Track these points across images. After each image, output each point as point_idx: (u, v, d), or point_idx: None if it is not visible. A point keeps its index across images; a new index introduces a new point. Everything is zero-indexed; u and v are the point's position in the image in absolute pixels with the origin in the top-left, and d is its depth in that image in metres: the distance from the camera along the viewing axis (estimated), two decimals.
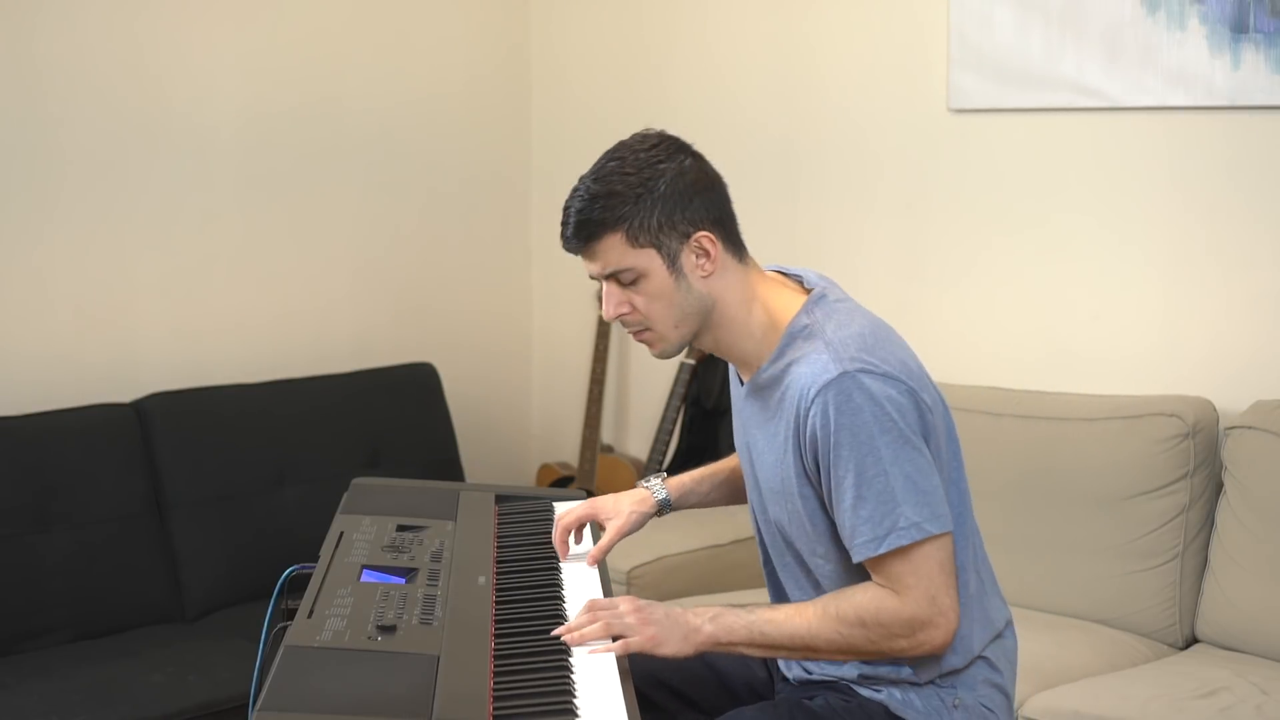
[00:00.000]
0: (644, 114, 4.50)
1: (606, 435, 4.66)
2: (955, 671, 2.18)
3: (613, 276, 2.14)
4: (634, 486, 2.50)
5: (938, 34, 3.83)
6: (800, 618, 2.10)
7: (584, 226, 2.12)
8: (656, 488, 2.45)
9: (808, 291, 2.19)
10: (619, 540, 2.41)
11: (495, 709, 1.83)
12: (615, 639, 2.06)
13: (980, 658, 2.20)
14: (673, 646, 2.08)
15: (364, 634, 1.95)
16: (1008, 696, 2.24)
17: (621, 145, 2.17)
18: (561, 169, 4.72)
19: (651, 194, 2.10)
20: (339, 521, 2.42)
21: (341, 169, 4.33)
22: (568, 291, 4.74)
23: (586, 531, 2.48)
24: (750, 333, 2.16)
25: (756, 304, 2.16)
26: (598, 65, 4.63)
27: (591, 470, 4.49)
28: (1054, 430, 3.47)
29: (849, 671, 2.21)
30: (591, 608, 2.10)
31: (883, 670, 2.18)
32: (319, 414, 4.02)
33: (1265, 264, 3.42)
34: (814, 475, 2.11)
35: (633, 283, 2.13)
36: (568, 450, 4.73)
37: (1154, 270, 3.58)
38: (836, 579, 2.16)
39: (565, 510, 2.48)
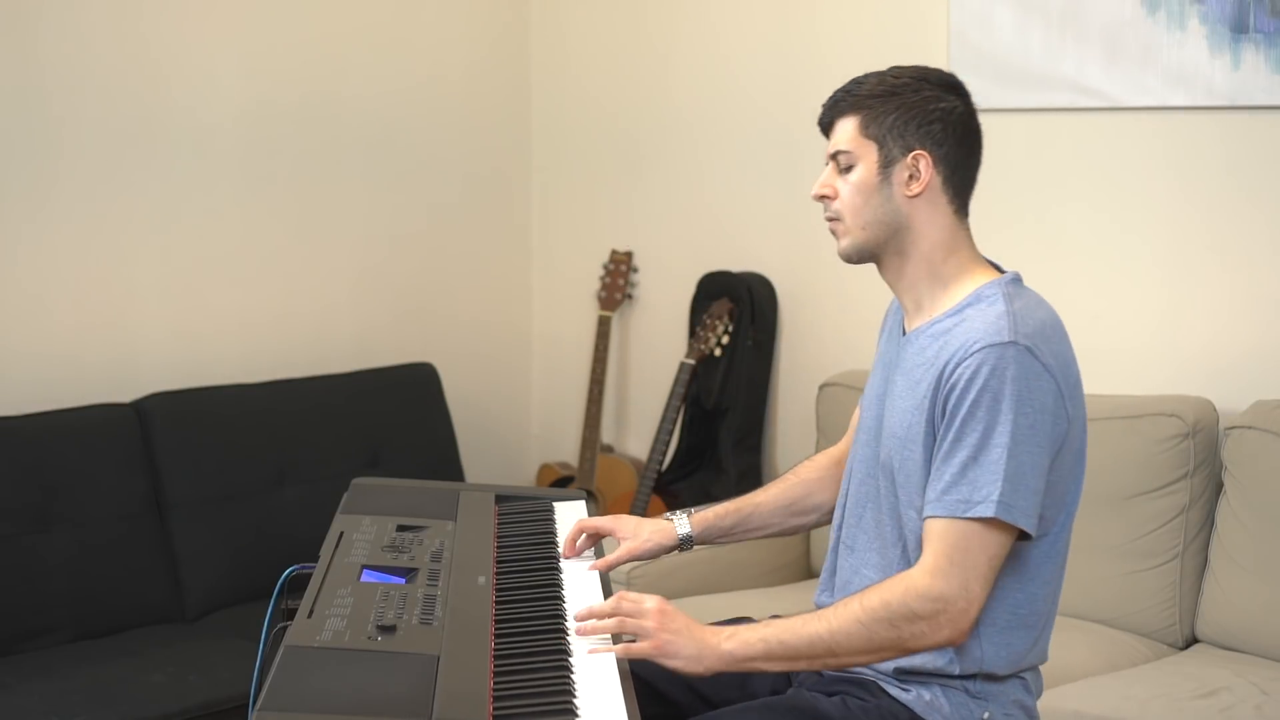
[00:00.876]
0: (644, 116, 4.51)
1: (606, 435, 4.66)
2: (993, 678, 2.17)
3: (834, 157, 2.21)
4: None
5: (938, 34, 3.83)
6: (819, 620, 2.10)
7: (835, 103, 2.22)
8: (680, 523, 2.46)
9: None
10: (629, 560, 2.42)
11: (495, 709, 1.83)
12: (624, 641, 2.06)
13: (1019, 678, 2.20)
14: (683, 661, 2.08)
15: (364, 634, 1.95)
16: (1033, 719, 2.24)
17: (913, 66, 2.25)
18: (562, 170, 4.73)
19: (901, 99, 2.17)
20: (339, 521, 2.42)
21: (342, 169, 4.33)
22: (568, 292, 4.74)
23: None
24: (937, 277, 2.20)
25: (954, 257, 2.20)
26: (598, 67, 4.63)
27: (591, 470, 4.48)
28: None
29: (885, 665, 2.19)
30: (619, 598, 2.11)
31: (920, 661, 2.16)
32: (319, 414, 4.02)
33: (1265, 264, 3.42)
34: (937, 422, 2.11)
35: (847, 169, 2.20)
36: (568, 450, 4.73)
37: (1154, 270, 3.58)
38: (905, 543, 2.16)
39: (587, 518, 2.48)
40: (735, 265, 4.29)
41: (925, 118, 2.17)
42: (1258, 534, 3.22)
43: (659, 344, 4.53)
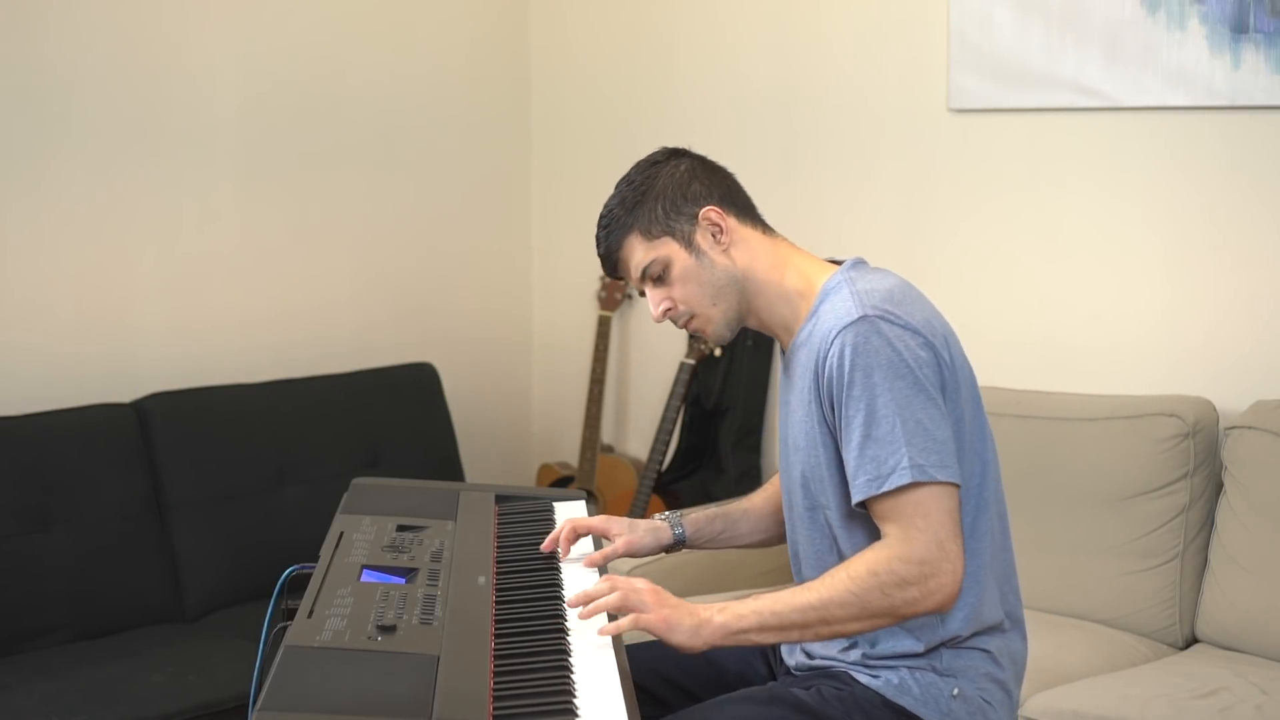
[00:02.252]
0: (644, 117, 4.51)
1: (606, 435, 4.66)
2: (957, 642, 2.18)
3: (645, 278, 2.26)
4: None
5: (938, 34, 3.83)
6: (809, 590, 2.11)
7: (607, 249, 2.27)
8: (674, 522, 2.47)
9: None
10: (625, 554, 2.42)
11: (495, 709, 1.83)
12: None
13: (981, 648, 2.20)
14: (683, 635, 2.08)
15: (364, 634, 1.95)
16: (1009, 694, 2.24)
17: (634, 167, 2.32)
18: (562, 169, 4.73)
19: (651, 191, 2.25)
20: (339, 521, 2.42)
21: (342, 169, 4.33)
22: (568, 291, 4.74)
23: (588, 538, 2.48)
24: (786, 297, 2.24)
25: (790, 269, 2.25)
26: (598, 67, 4.63)
27: (591, 470, 4.49)
28: (1054, 430, 3.47)
29: (851, 655, 2.22)
30: (610, 579, 2.12)
31: (884, 646, 2.18)
32: (319, 414, 4.02)
33: (1265, 264, 3.43)
34: (830, 420, 2.15)
35: (662, 276, 2.25)
36: (568, 450, 4.73)
37: (1154, 270, 3.59)
38: (851, 538, 2.18)
39: (578, 518, 2.48)
40: None
41: (680, 185, 2.24)
42: (1258, 534, 3.22)
43: (659, 344, 4.53)
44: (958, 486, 2.10)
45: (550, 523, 2.57)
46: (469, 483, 3.90)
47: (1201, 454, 3.33)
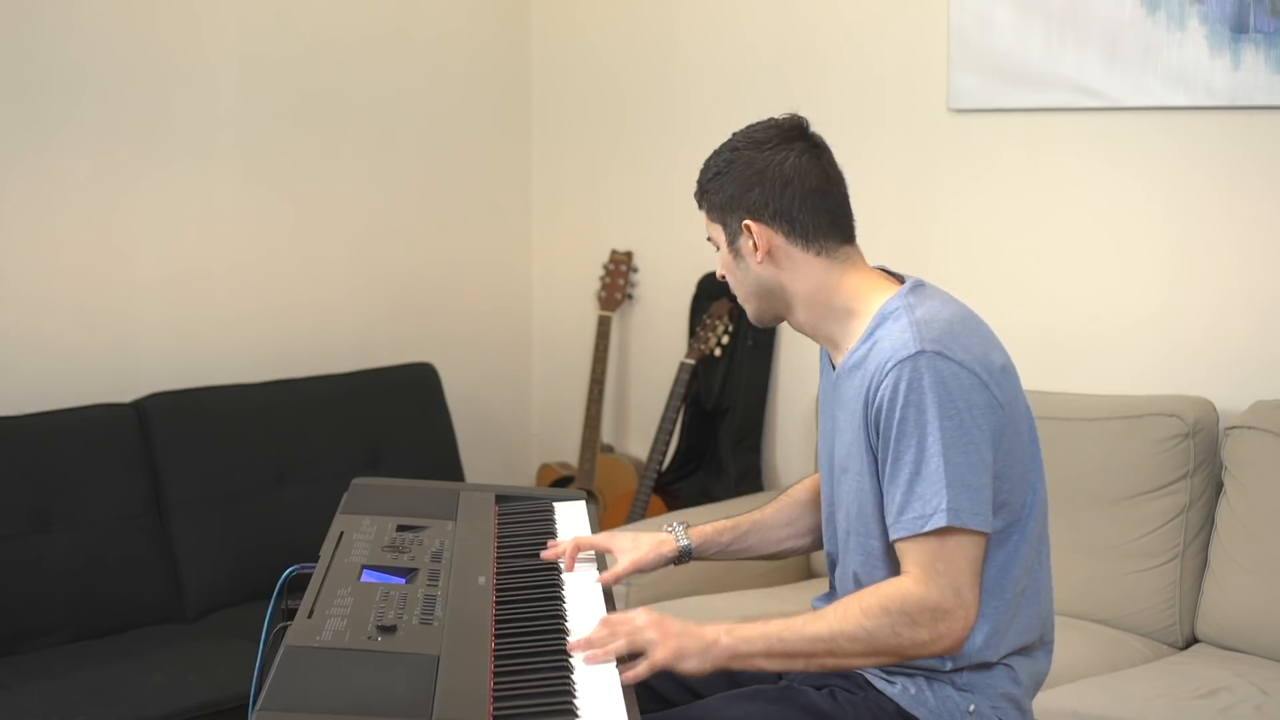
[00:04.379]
0: (645, 116, 4.51)
1: (606, 435, 4.66)
2: (983, 666, 2.18)
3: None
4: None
5: (938, 34, 3.83)
6: (820, 620, 2.10)
7: (698, 195, 2.29)
8: (680, 534, 2.46)
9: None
10: (633, 573, 2.42)
11: (495, 709, 1.83)
12: (632, 657, 2.06)
13: (1006, 664, 2.20)
14: (693, 663, 2.08)
15: (364, 634, 1.95)
16: (1023, 713, 2.24)
17: (759, 125, 2.27)
18: (562, 169, 4.73)
19: (728, 174, 2.23)
20: (339, 521, 2.42)
21: (342, 169, 4.33)
22: (568, 291, 4.74)
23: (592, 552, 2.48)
24: (834, 316, 2.23)
25: (840, 294, 2.23)
26: (598, 68, 4.62)
27: (591, 470, 4.48)
28: (1054, 430, 3.47)
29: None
30: (608, 623, 2.10)
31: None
32: (319, 414, 4.01)
33: (1265, 264, 3.43)
34: (874, 448, 2.14)
35: (717, 249, 2.29)
36: (568, 450, 4.73)
37: (1154, 270, 3.59)
38: (887, 564, 2.17)
39: (584, 536, 2.47)
40: None
41: (744, 187, 2.21)
42: (1258, 534, 3.22)
43: (659, 344, 4.53)
44: (985, 536, 2.10)
45: (550, 523, 2.57)
46: (469, 483, 3.90)
47: (1201, 454, 3.33)
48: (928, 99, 3.88)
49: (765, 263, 2.21)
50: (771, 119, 2.27)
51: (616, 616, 2.12)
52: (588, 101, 4.65)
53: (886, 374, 2.10)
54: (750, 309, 2.29)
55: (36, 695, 3.13)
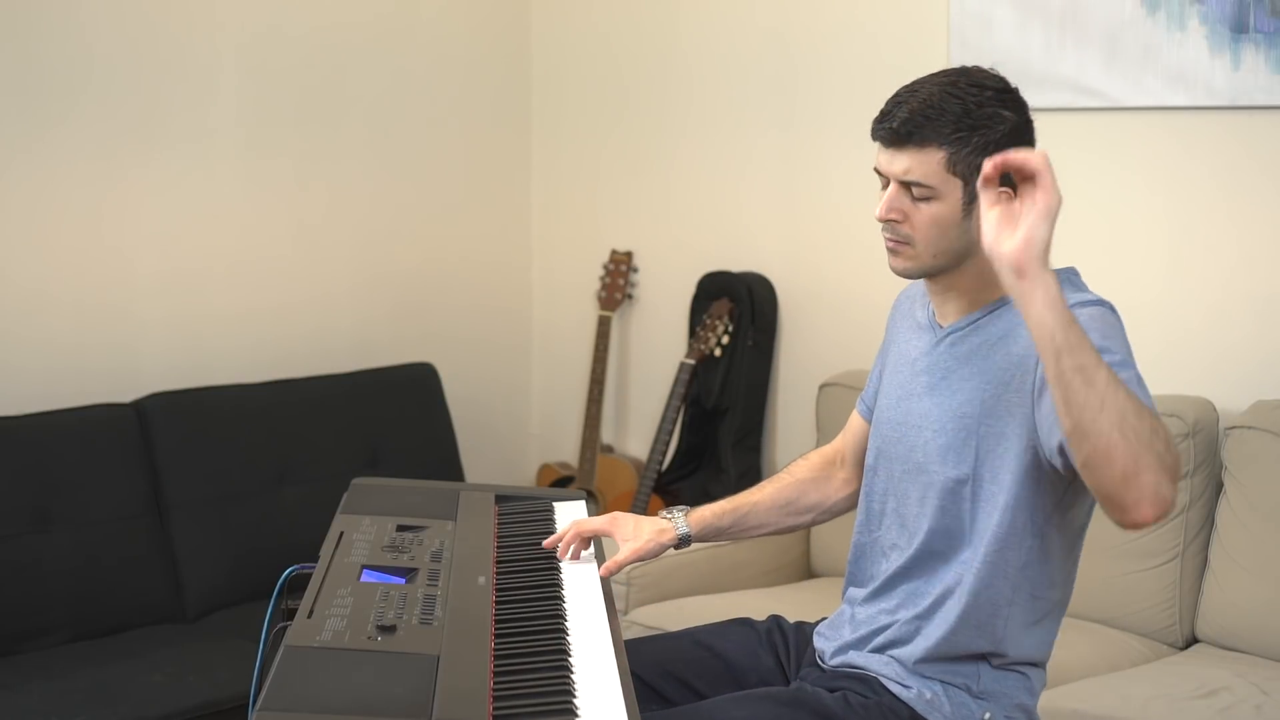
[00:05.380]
0: (645, 116, 4.51)
1: (606, 435, 4.66)
2: (1028, 664, 2.18)
3: (907, 184, 2.12)
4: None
5: (938, 34, 3.83)
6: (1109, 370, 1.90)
7: (915, 127, 2.10)
8: (679, 521, 2.44)
9: None
10: (634, 561, 2.40)
11: (495, 709, 1.83)
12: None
13: (1024, 673, 2.20)
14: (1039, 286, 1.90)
15: (364, 634, 1.95)
16: (1030, 718, 2.25)
17: (974, 73, 2.15)
18: (562, 169, 4.73)
19: (990, 132, 2.09)
20: (339, 521, 2.42)
21: (342, 168, 4.33)
22: (568, 291, 4.74)
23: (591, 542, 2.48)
24: (986, 281, 2.14)
25: None
26: (598, 68, 4.63)
27: (591, 470, 4.48)
28: None
29: (884, 668, 2.20)
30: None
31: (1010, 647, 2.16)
32: (319, 414, 4.02)
33: (1265, 264, 3.43)
34: (1030, 388, 2.06)
35: (923, 199, 2.11)
36: (568, 450, 4.73)
37: (1153, 270, 3.59)
38: (999, 519, 2.11)
39: (584, 519, 2.47)
40: (735, 265, 4.29)
41: (1016, 135, 2.11)
42: (1258, 534, 3.22)
43: (659, 344, 4.53)
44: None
45: (550, 523, 2.56)
46: (469, 483, 3.90)
47: (1201, 454, 3.33)
48: None
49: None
50: (989, 71, 2.15)
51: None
52: (588, 101, 4.65)
53: (1076, 311, 1.94)
54: (924, 264, 2.14)
55: (36, 695, 3.13)
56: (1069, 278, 2.16)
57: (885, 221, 2.16)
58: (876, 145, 2.19)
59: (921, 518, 2.21)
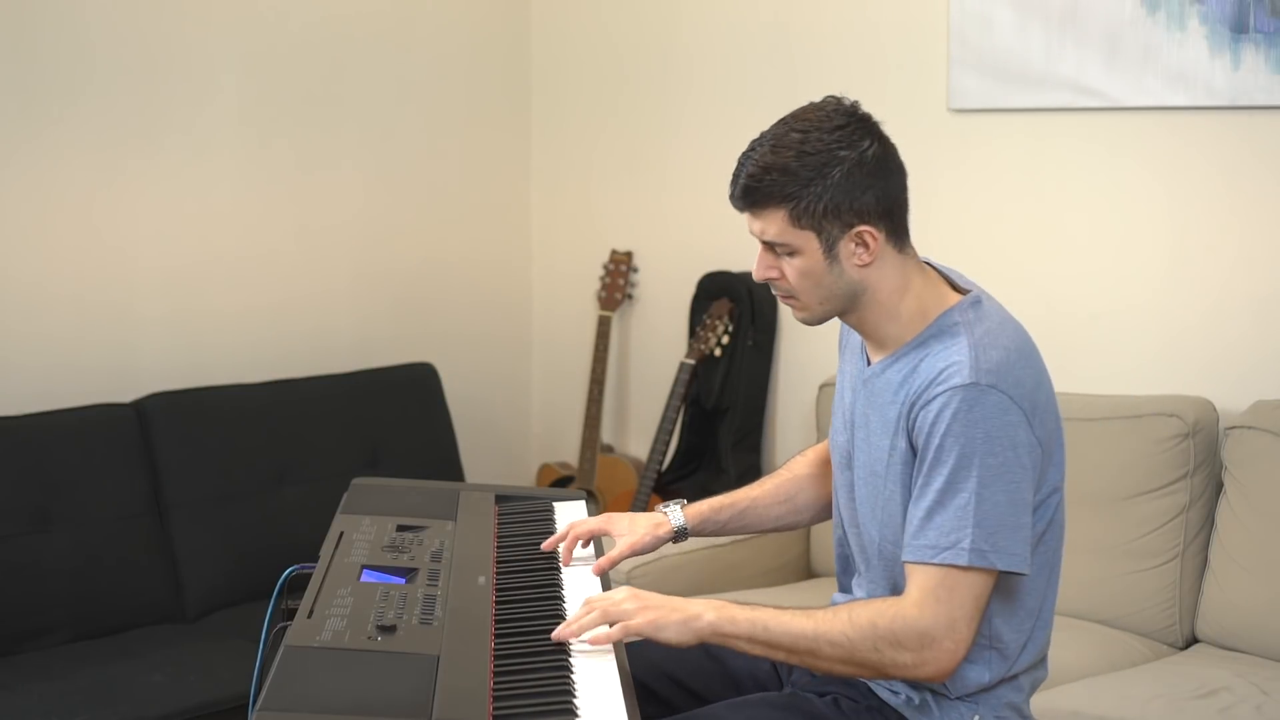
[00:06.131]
0: (644, 116, 4.51)
1: (606, 435, 4.66)
2: (992, 686, 2.17)
3: (767, 245, 2.14)
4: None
5: (938, 34, 3.83)
6: (808, 619, 2.07)
7: (751, 193, 2.13)
8: (675, 515, 2.44)
9: (961, 292, 2.19)
10: (630, 556, 2.40)
11: (495, 709, 1.83)
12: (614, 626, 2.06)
13: (1014, 680, 2.20)
14: (673, 631, 2.06)
15: (364, 634, 1.95)
16: (1024, 718, 2.24)
17: (809, 114, 2.16)
18: (562, 169, 4.73)
19: (825, 180, 2.08)
20: (339, 521, 2.42)
21: (342, 168, 4.33)
22: (568, 292, 4.74)
23: (591, 542, 2.48)
24: (897, 318, 2.14)
25: (910, 294, 2.14)
26: (597, 68, 4.63)
27: (591, 470, 4.48)
28: None
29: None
30: (588, 602, 2.10)
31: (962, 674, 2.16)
32: (319, 414, 4.02)
33: (1265, 264, 3.43)
34: (908, 460, 2.10)
35: (786, 255, 2.13)
36: (568, 450, 4.73)
37: (1154, 270, 3.59)
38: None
39: (579, 520, 2.46)
40: (735, 265, 4.29)
41: (855, 189, 2.07)
42: (1258, 534, 3.22)
43: (659, 344, 4.53)
44: (995, 576, 2.05)
45: (550, 523, 2.57)
46: (469, 483, 3.90)
47: (1201, 454, 3.33)
48: (928, 99, 3.88)
49: (867, 266, 2.10)
50: (831, 105, 2.16)
51: (597, 595, 2.12)
52: (588, 101, 4.65)
53: (935, 396, 2.04)
54: (815, 312, 2.17)
55: (36, 695, 3.13)
56: (960, 324, 2.11)
57: (767, 283, 2.19)
58: None
59: (872, 545, 2.22)
